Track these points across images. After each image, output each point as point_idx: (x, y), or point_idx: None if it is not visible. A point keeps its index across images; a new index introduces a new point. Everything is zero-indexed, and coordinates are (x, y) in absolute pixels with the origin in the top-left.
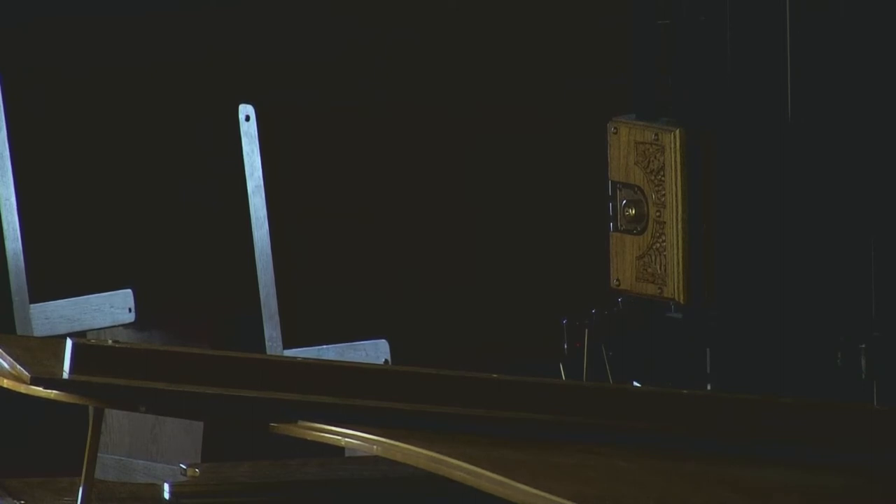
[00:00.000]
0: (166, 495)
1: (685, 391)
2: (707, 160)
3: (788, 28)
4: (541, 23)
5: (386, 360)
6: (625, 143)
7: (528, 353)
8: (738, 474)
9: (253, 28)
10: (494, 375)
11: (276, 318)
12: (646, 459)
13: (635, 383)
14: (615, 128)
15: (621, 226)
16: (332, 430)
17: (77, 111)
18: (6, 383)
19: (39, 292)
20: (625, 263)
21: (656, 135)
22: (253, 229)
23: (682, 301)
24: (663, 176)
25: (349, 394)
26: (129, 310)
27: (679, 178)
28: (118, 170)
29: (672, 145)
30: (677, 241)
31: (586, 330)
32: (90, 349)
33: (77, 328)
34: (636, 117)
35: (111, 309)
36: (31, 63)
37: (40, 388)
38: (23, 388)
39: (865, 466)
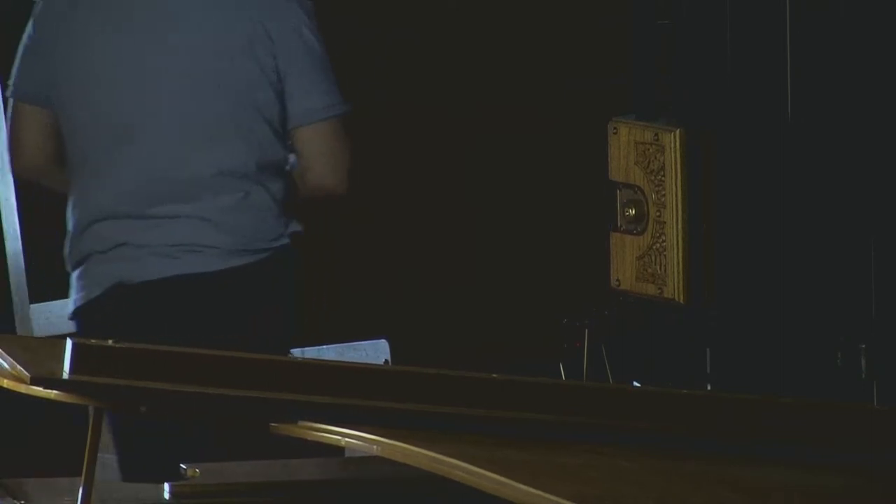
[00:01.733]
0: (166, 495)
1: (685, 391)
2: (707, 160)
3: (788, 28)
4: (541, 23)
5: (386, 360)
6: (625, 143)
7: (528, 353)
8: (738, 474)
9: None
10: (494, 375)
11: None
12: (646, 459)
13: (635, 383)
14: (615, 128)
15: (621, 226)
16: (332, 430)
17: None
18: (6, 383)
19: (39, 292)
20: (625, 263)
21: (656, 135)
22: None
23: (682, 301)
24: (663, 176)
25: (349, 394)
26: None
27: (679, 178)
28: None
29: (672, 145)
30: (677, 241)
31: (586, 330)
32: (90, 349)
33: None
34: (636, 117)
35: None
36: None
37: (40, 388)
38: (23, 388)
39: (865, 466)
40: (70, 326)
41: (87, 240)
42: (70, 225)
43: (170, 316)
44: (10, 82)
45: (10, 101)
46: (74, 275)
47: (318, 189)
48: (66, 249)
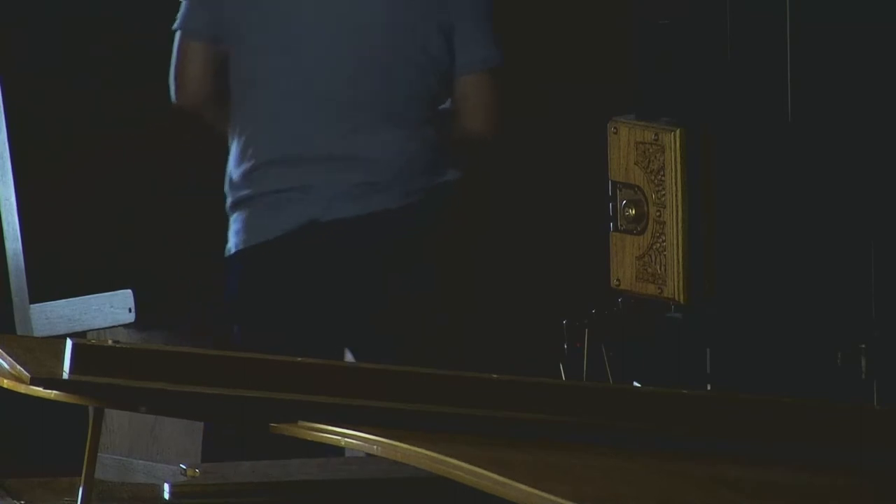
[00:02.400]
0: (166, 495)
1: (685, 391)
2: (707, 160)
3: (788, 28)
4: (541, 22)
5: None
6: (625, 143)
7: (528, 353)
8: (738, 474)
9: None
10: (494, 375)
11: None
12: (646, 459)
13: (635, 383)
14: (615, 128)
15: (621, 226)
16: (332, 430)
17: (77, 111)
18: (6, 383)
19: (39, 292)
20: (625, 263)
21: (656, 135)
22: None
23: (682, 301)
24: (663, 176)
25: (349, 394)
26: (129, 310)
27: (679, 178)
28: (118, 170)
29: (672, 145)
30: (677, 241)
31: (586, 330)
32: (90, 349)
33: (77, 328)
34: (636, 117)
35: (111, 309)
36: (31, 63)
37: (40, 388)
38: (23, 388)
39: (865, 466)
40: (68, 327)
41: (256, 181)
42: (233, 166)
43: (352, 255)
44: (178, 17)
45: (177, 36)
46: (238, 216)
47: (471, 134)
48: (227, 189)
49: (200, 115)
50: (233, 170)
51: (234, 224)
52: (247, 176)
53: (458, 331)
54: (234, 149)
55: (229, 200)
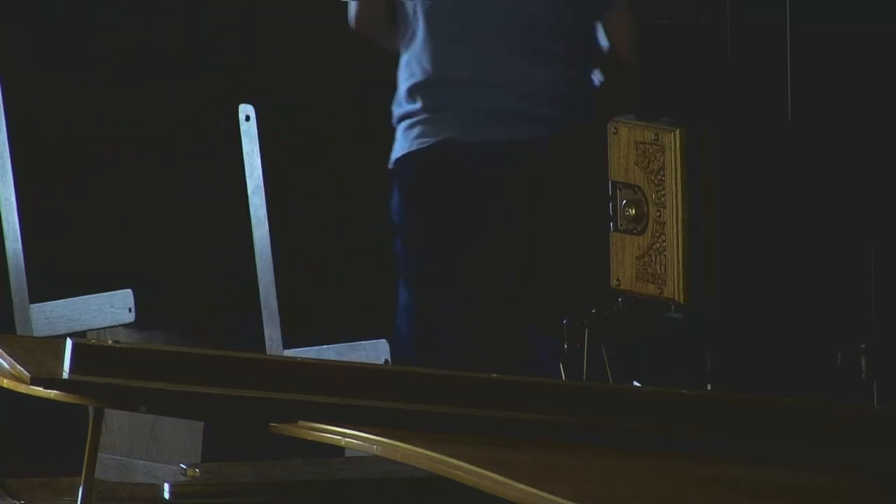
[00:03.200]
0: (166, 495)
1: (685, 391)
2: (707, 160)
3: (788, 27)
4: None
5: (386, 360)
6: (625, 143)
7: (528, 353)
8: (738, 474)
9: (253, 27)
10: (494, 375)
11: (276, 318)
12: (646, 459)
13: (635, 383)
14: (615, 128)
15: (621, 226)
16: (332, 430)
17: (77, 111)
18: (6, 383)
19: (39, 292)
20: (625, 263)
21: (656, 135)
22: (253, 229)
23: (682, 301)
24: (663, 176)
25: (349, 394)
26: (129, 310)
27: (679, 178)
28: (118, 170)
29: (672, 145)
30: (677, 241)
31: (586, 330)
32: (90, 349)
33: (77, 328)
34: (636, 117)
35: (111, 309)
36: (31, 63)
37: (40, 388)
38: (23, 388)
39: (865, 466)
40: (68, 327)
41: (414, 99)
42: (399, 84)
43: (486, 177)
44: None
45: None
46: (400, 127)
47: (621, 63)
48: (393, 105)
49: (374, 39)
50: (398, 88)
51: (397, 135)
52: (407, 94)
53: (521, 292)
54: (400, 68)
55: (394, 115)
